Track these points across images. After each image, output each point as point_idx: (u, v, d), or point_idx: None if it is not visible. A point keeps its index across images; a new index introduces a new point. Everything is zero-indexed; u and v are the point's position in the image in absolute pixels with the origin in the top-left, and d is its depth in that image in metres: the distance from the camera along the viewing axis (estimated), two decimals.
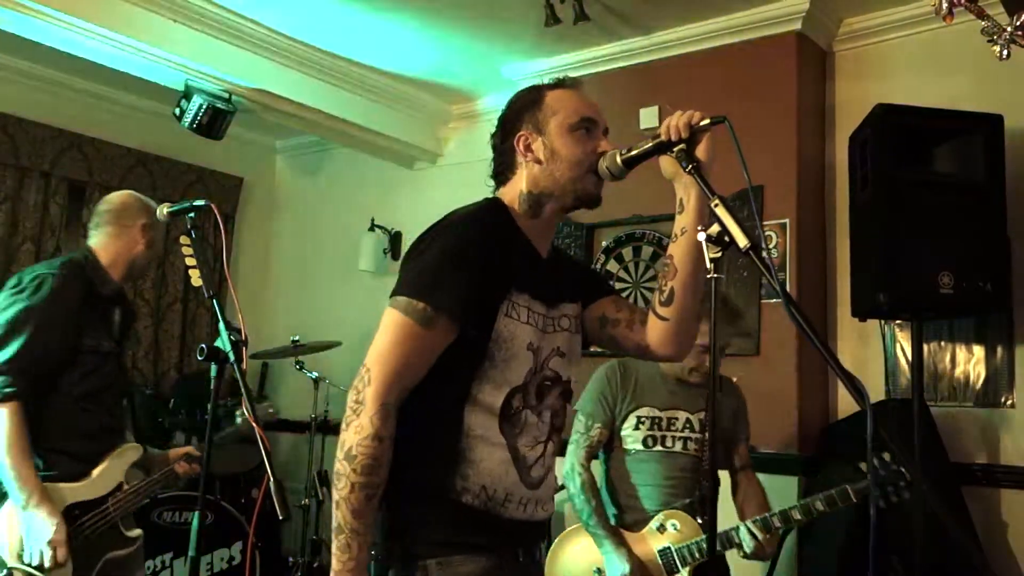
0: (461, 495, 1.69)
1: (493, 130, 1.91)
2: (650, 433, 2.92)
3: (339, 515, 1.60)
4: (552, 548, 3.02)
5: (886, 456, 2.62)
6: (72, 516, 2.55)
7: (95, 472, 2.65)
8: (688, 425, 2.93)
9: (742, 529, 2.77)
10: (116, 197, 2.89)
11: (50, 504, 2.47)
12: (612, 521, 2.93)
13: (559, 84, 1.88)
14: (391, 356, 1.64)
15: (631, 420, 2.93)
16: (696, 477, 2.88)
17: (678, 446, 2.91)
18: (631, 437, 2.93)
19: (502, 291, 1.72)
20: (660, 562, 2.79)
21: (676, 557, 2.78)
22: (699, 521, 2.80)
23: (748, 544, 2.74)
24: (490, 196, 1.90)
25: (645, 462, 2.92)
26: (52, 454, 2.59)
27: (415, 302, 1.65)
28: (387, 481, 1.64)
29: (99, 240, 2.79)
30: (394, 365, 1.63)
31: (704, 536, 2.74)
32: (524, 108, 1.85)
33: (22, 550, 2.45)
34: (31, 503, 2.44)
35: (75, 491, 2.60)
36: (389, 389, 1.62)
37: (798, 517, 2.73)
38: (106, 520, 2.64)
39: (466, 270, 1.68)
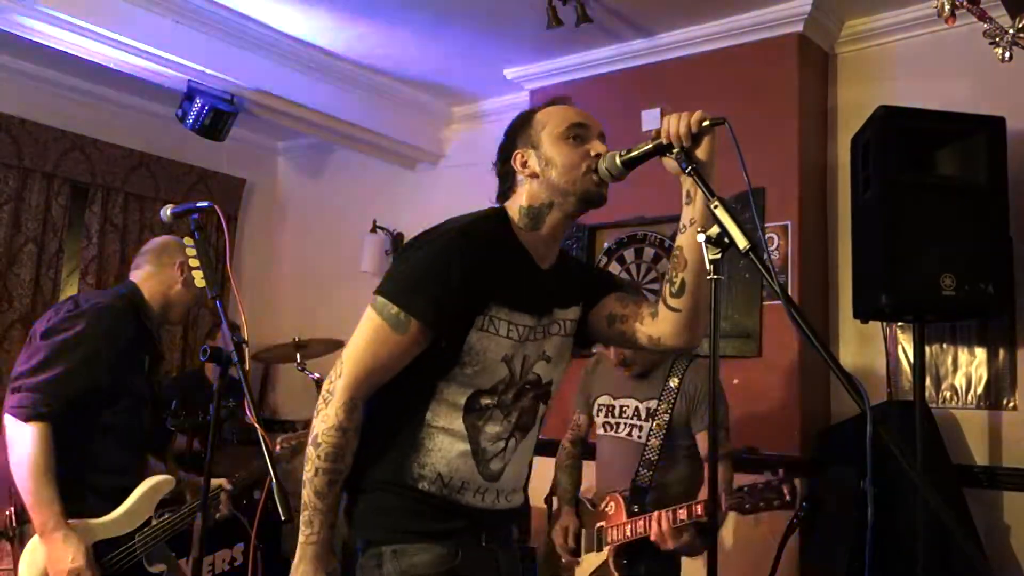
0: (418, 482, 1.76)
1: (496, 145, 1.96)
2: (607, 420, 3.17)
3: (305, 494, 1.72)
4: None
5: (780, 474, 2.72)
6: (96, 554, 2.47)
7: (123, 508, 2.57)
8: (636, 413, 3.08)
9: (650, 517, 2.87)
10: (157, 239, 2.88)
11: (67, 530, 2.39)
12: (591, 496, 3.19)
13: (549, 103, 1.94)
14: (363, 354, 1.74)
15: (595, 407, 3.22)
16: (636, 468, 3.01)
17: (624, 432, 3.09)
18: (598, 423, 3.22)
19: (479, 306, 1.76)
20: (594, 539, 3.04)
21: (603, 536, 3.00)
22: (630, 510, 2.96)
23: (651, 529, 2.84)
24: (496, 206, 1.93)
25: (603, 446, 3.20)
26: (78, 487, 2.50)
27: (391, 305, 1.72)
28: (351, 467, 1.74)
29: (141, 275, 2.76)
30: (365, 363, 1.73)
31: (624, 522, 2.92)
32: (517, 130, 1.92)
33: None
34: (48, 527, 2.37)
35: (103, 527, 2.53)
36: (357, 385, 1.73)
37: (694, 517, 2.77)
38: (132, 558, 2.56)
39: (445, 281, 1.72)
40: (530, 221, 1.85)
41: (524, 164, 1.86)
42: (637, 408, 3.09)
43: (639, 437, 3.04)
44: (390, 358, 1.74)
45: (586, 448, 3.35)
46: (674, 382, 3.01)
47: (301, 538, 1.72)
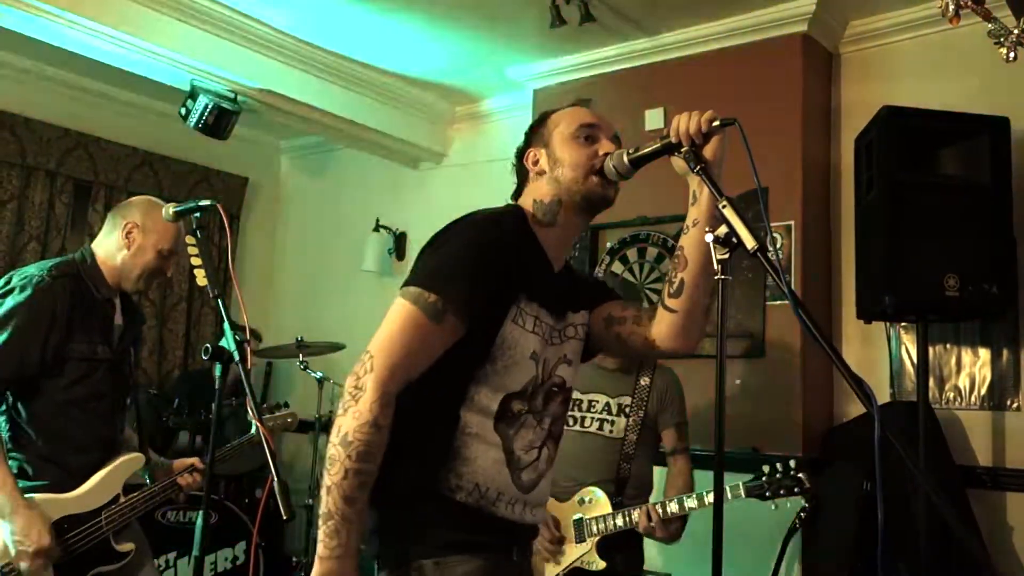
0: (455, 492, 1.68)
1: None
2: (571, 414, 3.12)
3: (330, 501, 1.56)
4: None
5: (792, 464, 2.78)
6: (60, 530, 2.42)
7: (89, 484, 2.51)
8: (607, 408, 3.11)
9: (637, 510, 2.91)
10: (131, 199, 2.77)
11: (28, 509, 2.34)
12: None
13: (569, 105, 1.94)
14: (396, 345, 1.61)
15: None
16: (615, 458, 3.06)
17: (594, 427, 3.11)
18: None
19: (513, 297, 1.73)
20: (573, 530, 3.02)
21: (586, 528, 3.00)
22: (614, 501, 2.99)
23: (639, 521, 2.88)
24: (510, 203, 1.93)
25: (566, 440, 3.11)
26: (40, 462, 2.48)
27: (427, 293, 1.63)
28: (380, 478, 1.62)
29: (98, 239, 2.68)
30: (398, 354, 1.61)
31: (611, 514, 2.95)
32: (532, 130, 1.94)
33: (7, 560, 2.35)
34: (7, 509, 2.32)
35: (65, 504, 2.46)
36: (391, 378, 1.59)
37: (692, 504, 2.85)
38: (98, 534, 2.50)
39: (482, 270, 1.67)
40: (542, 216, 1.84)
41: (535, 162, 1.87)
42: (608, 403, 3.12)
43: (611, 432, 3.09)
44: (423, 350, 1.63)
45: None
46: (645, 380, 3.11)
47: (324, 551, 1.55)
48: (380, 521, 1.71)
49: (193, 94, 4.59)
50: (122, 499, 2.56)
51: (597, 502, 3.01)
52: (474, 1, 4.09)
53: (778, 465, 2.79)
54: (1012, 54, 1.99)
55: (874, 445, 1.36)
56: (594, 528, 2.99)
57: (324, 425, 5.15)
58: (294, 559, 4.88)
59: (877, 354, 3.89)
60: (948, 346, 3.73)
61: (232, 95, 4.64)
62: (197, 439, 4.72)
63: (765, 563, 3.44)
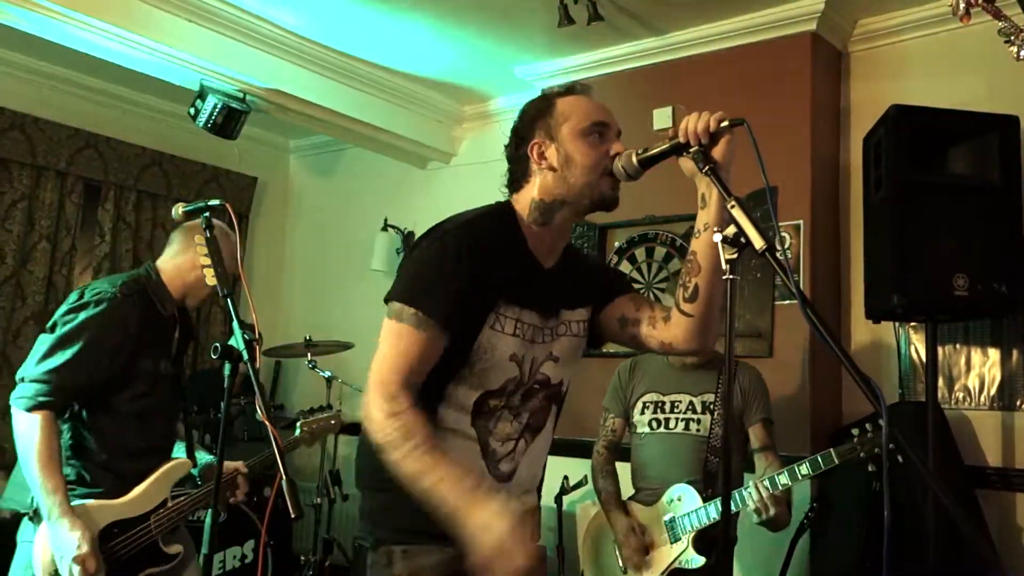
0: None
1: (506, 140, 1.93)
2: (654, 416, 3.18)
3: (421, 488, 1.59)
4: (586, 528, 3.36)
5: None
6: (111, 534, 2.50)
7: (138, 489, 2.58)
8: (691, 407, 3.13)
9: (746, 489, 2.87)
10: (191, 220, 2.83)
11: (72, 517, 2.39)
12: (633, 495, 3.21)
13: (569, 91, 1.90)
14: (392, 359, 1.68)
15: (639, 406, 3.23)
16: (702, 456, 3.07)
17: (680, 427, 3.13)
18: (640, 422, 3.21)
19: (489, 303, 1.75)
20: (666, 532, 3.03)
21: (678, 526, 3.00)
22: (704, 495, 2.99)
23: (751, 501, 2.83)
24: (502, 200, 1.90)
25: (651, 443, 3.17)
26: (98, 470, 2.55)
27: (406, 308, 1.70)
28: (368, 463, 1.72)
29: (164, 257, 2.75)
30: (396, 365, 1.68)
31: (703, 506, 2.95)
32: (536, 116, 1.87)
33: (55, 569, 2.41)
34: (53, 515, 2.38)
35: (117, 509, 2.54)
36: (389, 380, 1.65)
37: (805, 471, 2.82)
38: (147, 537, 2.57)
39: (455, 280, 1.71)
40: (540, 216, 1.83)
41: (541, 156, 1.83)
42: (692, 402, 3.14)
43: (698, 430, 3.10)
44: (420, 357, 1.69)
45: (619, 452, 3.35)
46: None
47: (455, 502, 1.56)
48: (365, 503, 1.80)
49: (202, 94, 4.61)
50: (170, 503, 2.64)
51: (687, 498, 3.01)
52: (482, 1, 4.10)
53: (867, 425, 2.72)
54: (1022, 53, 1.98)
55: (882, 444, 1.35)
56: (687, 524, 2.98)
57: None
58: (302, 558, 4.89)
59: (886, 354, 3.88)
60: (957, 346, 3.72)
61: (241, 95, 4.65)
62: (207, 437, 4.74)
63: (773, 563, 3.44)
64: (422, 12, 4.25)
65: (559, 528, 3.93)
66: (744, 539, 3.30)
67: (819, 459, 2.78)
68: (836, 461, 2.75)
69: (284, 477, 1.95)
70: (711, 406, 3.10)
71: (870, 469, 2.74)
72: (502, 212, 1.86)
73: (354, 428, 6.14)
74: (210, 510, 2.11)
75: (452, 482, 1.57)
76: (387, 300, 1.74)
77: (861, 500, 3.41)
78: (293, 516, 1.91)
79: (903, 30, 3.98)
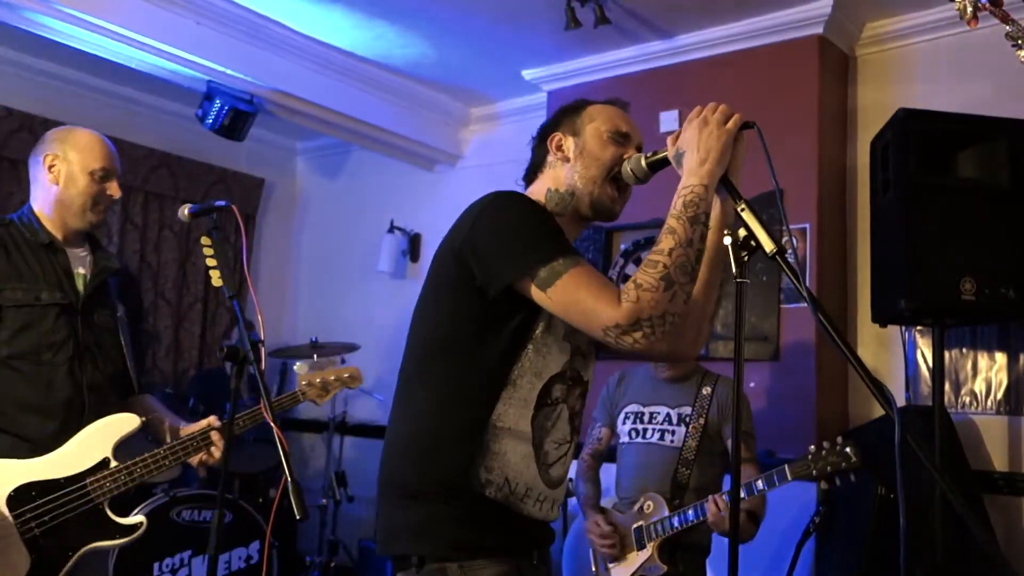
0: (485, 488, 1.68)
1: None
2: (634, 426, 3.24)
3: (678, 245, 1.63)
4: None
5: (838, 440, 2.67)
6: (27, 497, 2.24)
7: (64, 447, 2.32)
8: (668, 419, 3.17)
9: (694, 507, 2.92)
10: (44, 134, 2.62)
11: None
12: (614, 503, 3.25)
13: (607, 101, 1.92)
14: (589, 297, 1.60)
15: (622, 416, 3.29)
16: (672, 467, 3.10)
17: (655, 437, 3.16)
18: (622, 431, 3.28)
19: None
20: (633, 538, 3.07)
21: (644, 534, 3.04)
22: (672, 504, 3.04)
23: (707, 511, 2.86)
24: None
25: (629, 453, 3.23)
26: None
27: (553, 263, 1.62)
28: (397, 474, 1.69)
29: (31, 193, 2.55)
30: (596, 293, 1.60)
31: (668, 516, 2.99)
32: (564, 114, 1.91)
33: None
34: None
35: (30, 469, 2.26)
36: (609, 302, 1.58)
37: (761, 486, 2.80)
38: (82, 502, 2.29)
39: (551, 218, 1.74)
40: (555, 205, 1.84)
41: (559, 147, 1.86)
42: (668, 414, 3.17)
43: (672, 441, 3.12)
44: (603, 278, 1.66)
45: (604, 459, 3.41)
46: (707, 390, 3.14)
47: (703, 178, 1.65)
48: (397, 515, 1.72)
49: (210, 96, 4.62)
50: (113, 463, 2.35)
51: (655, 507, 3.05)
52: (489, 3, 4.10)
53: (824, 443, 2.68)
54: None
55: (896, 448, 1.35)
56: (652, 532, 3.01)
57: (337, 425, 5.17)
58: (307, 559, 4.90)
59: (892, 358, 3.87)
60: (964, 350, 3.70)
61: (248, 97, 4.66)
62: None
63: (779, 568, 3.43)
64: (429, 14, 4.25)
65: (561, 529, 3.93)
66: (751, 543, 3.29)
67: (774, 475, 2.76)
68: (789, 478, 2.72)
69: (289, 478, 1.95)
70: (687, 418, 3.12)
71: (822, 487, 2.74)
72: (525, 196, 1.86)
73: (360, 430, 6.19)
74: (215, 511, 2.10)
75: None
76: (524, 273, 1.64)
77: (867, 504, 3.40)
78: (298, 517, 1.91)
79: (911, 33, 3.97)
